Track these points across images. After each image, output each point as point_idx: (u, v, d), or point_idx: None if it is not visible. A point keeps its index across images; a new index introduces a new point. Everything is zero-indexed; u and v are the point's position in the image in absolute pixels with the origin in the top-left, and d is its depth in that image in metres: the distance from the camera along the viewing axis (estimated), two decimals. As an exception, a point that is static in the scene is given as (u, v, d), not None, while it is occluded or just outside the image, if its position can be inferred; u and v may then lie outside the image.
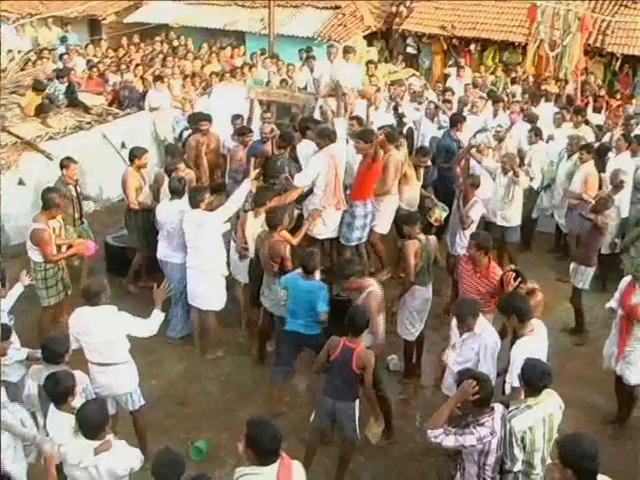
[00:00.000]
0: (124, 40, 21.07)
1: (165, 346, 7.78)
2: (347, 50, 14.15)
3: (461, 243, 9.49)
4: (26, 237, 8.45)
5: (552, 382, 5.62)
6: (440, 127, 12.95)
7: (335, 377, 6.54)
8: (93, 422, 5.20)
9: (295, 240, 8.59)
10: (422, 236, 8.15)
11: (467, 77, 17.33)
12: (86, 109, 13.70)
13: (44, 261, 8.42)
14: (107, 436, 5.28)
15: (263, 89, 14.20)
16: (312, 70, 15.44)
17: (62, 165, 9.72)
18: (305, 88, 15.14)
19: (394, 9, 21.78)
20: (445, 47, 21.00)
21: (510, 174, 10.27)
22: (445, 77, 19.20)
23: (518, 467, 5.53)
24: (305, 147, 10.41)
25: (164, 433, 6.40)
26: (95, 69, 16.34)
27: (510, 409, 5.60)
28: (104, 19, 24.20)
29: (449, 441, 5.39)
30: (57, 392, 5.58)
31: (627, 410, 7.91)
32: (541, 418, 5.54)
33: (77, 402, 5.67)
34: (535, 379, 5.55)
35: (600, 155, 11.10)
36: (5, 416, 5.52)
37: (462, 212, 9.51)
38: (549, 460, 5.76)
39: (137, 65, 16.95)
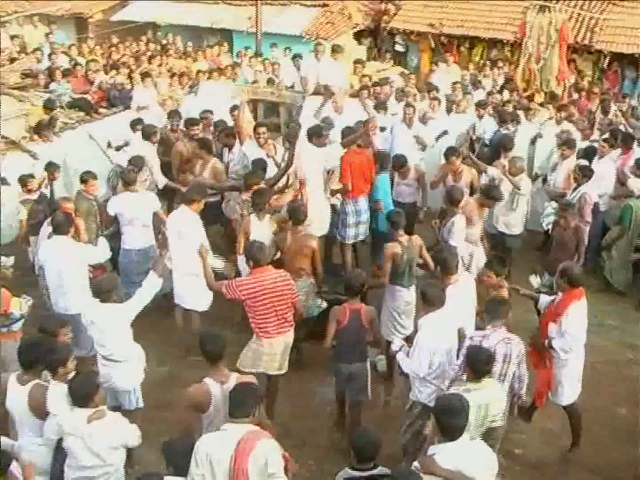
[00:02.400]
0: (114, 39, 20.94)
1: (148, 349, 7.67)
2: (335, 49, 14.11)
3: None
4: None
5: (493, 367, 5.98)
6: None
7: (348, 343, 7.06)
8: (81, 391, 5.41)
9: None
10: (404, 238, 8.11)
11: (455, 75, 17.32)
12: (95, 111, 13.64)
13: None
14: (99, 406, 5.49)
15: (250, 88, 14.14)
16: (298, 69, 15.37)
17: (82, 180, 9.58)
18: (292, 87, 15.07)
19: (382, 6, 21.73)
20: (433, 45, 20.95)
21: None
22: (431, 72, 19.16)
23: None
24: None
25: (144, 439, 6.26)
26: (79, 68, 16.17)
27: (450, 389, 5.95)
28: (90, 17, 24.03)
29: None
30: (52, 360, 5.84)
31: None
32: (477, 404, 5.66)
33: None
34: (479, 363, 5.81)
35: (587, 157, 11.11)
36: None
37: None
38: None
39: (123, 63, 16.79)
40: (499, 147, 11.41)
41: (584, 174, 10.08)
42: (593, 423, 7.86)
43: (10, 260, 7.76)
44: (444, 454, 4.96)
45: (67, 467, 5.58)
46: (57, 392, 5.71)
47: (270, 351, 7.37)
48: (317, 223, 9.78)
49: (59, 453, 5.72)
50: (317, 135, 9.92)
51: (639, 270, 10.76)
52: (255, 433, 5.01)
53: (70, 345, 6.49)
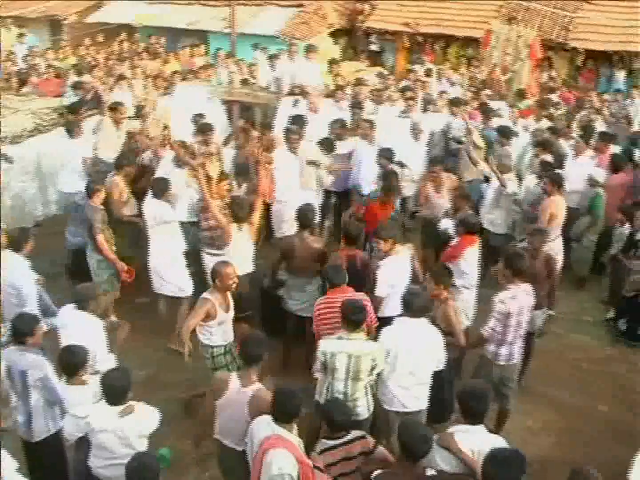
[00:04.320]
0: (88, 41, 20.82)
1: (128, 352, 7.67)
2: (309, 49, 14.11)
3: None
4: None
5: (366, 318, 6.45)
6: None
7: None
8: (117, 388, 5.56)
9: None
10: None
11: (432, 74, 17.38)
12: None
13: None
14: (129, 401, 5.63)
15: (225, 89, 14.11)
16: (273, 69, 15.36)
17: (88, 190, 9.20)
18: (267, 88, 15.05)
19: (357, 6, 21.76)
20: (408, 44, 21.01)
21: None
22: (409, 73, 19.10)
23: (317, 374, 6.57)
24: None
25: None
26: (52, 70, 16.09)
27: (326, 337, 6.51)
28: (65, 19, 23.88)
29: None
30: (71, 364, 6.00)
31: None
32: (346, 352, 6.21)
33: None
34: (349, 313, 6.29)
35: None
36: None
37: None
38: (358, 395, 6.36)
39: (95, 66, 16.66)
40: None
41: (545, 169, 10.10)
42: (575, 420, 7.95)
43: None
44: (462, 434, 5.22)
45: (94, 459, 5.74)
46: (76, 394, 5.96)
47: None
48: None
49: (81, 448, 5.89)
50: (285, 138, 10.20)
51: (603, 267, 10.91)
52: (277, 439, 5.10)
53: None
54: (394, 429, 6.51)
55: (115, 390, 5.54)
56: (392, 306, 7.63)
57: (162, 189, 8.98)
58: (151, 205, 9.02)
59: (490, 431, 5.64)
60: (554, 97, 15.34)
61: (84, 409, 5.73)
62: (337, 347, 6.26)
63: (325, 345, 6.33)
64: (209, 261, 8.74)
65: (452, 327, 7.11)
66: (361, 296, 7.11)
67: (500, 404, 7.42)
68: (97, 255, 9.10)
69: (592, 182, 10.72)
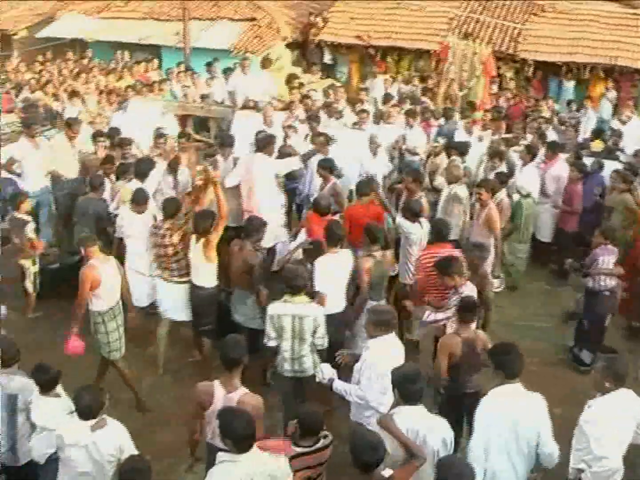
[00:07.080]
0: (39, 57, 20.62)
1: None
2: (264, 63, 14.20)
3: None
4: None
5: (306, 287, 7.14)
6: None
7: None
8: (89, 406, 5.45)
9: None
10: (377, 253, 8.07)
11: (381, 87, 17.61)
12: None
13: None
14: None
15: (179, 104, 14.10)
16: (227, 83, 15.39)
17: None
18: (222, 102, 15.08)
19: (310, 19, 21.87)
20: (361, 56, 21.20)
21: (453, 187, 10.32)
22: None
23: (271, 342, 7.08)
24: None
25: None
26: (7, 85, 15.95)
27: (275, 302, 7.12)
28: (14, 34, 23.61)
29: None
30: (45, 379, 5.99)
31: None
32: (291, 314, 6.92)
33: None
34: (291, 280, 6.96)
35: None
36: None
37: None
38: (304, 353, 7.06)
39: (47, 82, 16.54)
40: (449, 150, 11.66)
41: (501, 180, 10.36)
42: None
43: None
44: (402, 415, 5.34)
45: (61, 476, 5.61)
46: (48, 406, 5.93)
47: None
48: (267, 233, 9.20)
49: (51, 465, 5.81)
50: (269, 143, 9.99)
51: (565, 276, 11.13)
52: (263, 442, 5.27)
53: None
54: None
55: (89, 407, 5.46)
56: None
57: None
58: None
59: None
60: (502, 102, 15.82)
61: (53, 421, 5.75)
62: (283, 310, 6.93)
63: (273, 309, 7.00)
64: None
65: None
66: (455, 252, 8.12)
67: None
68: None
69: (520, 192, 10.92)
